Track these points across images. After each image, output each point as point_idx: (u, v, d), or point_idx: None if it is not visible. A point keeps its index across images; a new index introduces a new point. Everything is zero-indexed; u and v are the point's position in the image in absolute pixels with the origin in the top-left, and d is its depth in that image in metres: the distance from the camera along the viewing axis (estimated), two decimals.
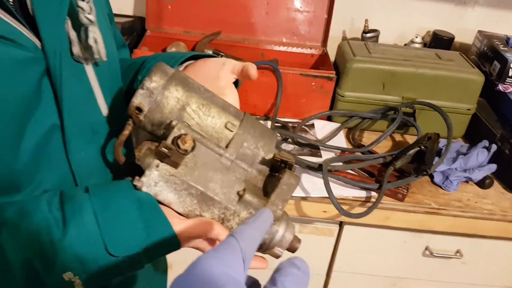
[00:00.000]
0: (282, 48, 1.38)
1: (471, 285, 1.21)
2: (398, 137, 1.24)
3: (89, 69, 0.53)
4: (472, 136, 1.24)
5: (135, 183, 0.49)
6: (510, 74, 1.20)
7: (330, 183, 0.94)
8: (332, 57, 1.34)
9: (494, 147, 1.12)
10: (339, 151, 1.12)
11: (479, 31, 1.38)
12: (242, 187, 0.52)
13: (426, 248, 1.14)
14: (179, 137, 0.50)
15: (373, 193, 1.02)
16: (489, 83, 1.24)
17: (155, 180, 0.50)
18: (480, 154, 1.10)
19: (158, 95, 0.51)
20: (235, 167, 0.53)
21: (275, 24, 1.38)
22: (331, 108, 1.25)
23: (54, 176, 0.50)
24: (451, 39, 1.38)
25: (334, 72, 1.19)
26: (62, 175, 0.51)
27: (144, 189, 0.50)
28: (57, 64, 0.47)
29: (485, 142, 1.15)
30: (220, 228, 0.50)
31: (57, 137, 0.50)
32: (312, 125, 1.23)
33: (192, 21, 1.36)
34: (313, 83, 1.20)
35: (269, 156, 0.55)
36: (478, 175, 1.07)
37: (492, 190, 1.09)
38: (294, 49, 1.38)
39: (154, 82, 0.51)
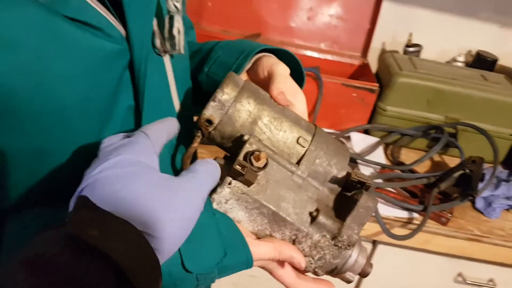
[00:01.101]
0: (320, 55, 1.34)
1: None
2: (436, 157, 1.20)
3: (167, 63, 0.50)
4: None
5: None
6: None
7: None
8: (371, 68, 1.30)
9: None
10: (379, 167, 1.08)
11: None
12: (314, 207, 0.48)
13: (459, 274, 1.10)
14: (252, 153, 0.46)
15: (415, 214, 0.98)
16: None
17: (226, 198, 0.47)
18: None
19: (230, 107, 0.48)
20: (307, 185, 0.50)
21: (315, 30, 1.34)
22: (369, 121, 1.21)
23: None
24: (495, 60, 1.34)
25: (377, 84, 1.15)
26: None
27: (214, 205, 0.47)
28: (142, 57, 0.43)
29: None
30: (294, 251, 0.47)
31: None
32: (349, 137, 1.19)
33: (231, 21, 1.32)
34: (354, 94, 1.16)
35: (342, 174, 0.51)
36: None
37: None
38: (333, 57, 1.34)
39: (226, 94, 0.48)
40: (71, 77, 0.38)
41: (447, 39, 1.42)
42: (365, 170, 1.08)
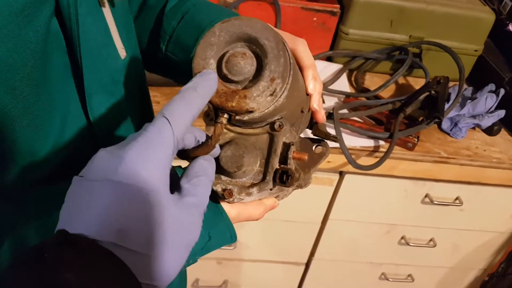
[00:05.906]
0: None
1: (466, 231, 1.20)
2: (401, 80, 1.16)
3: (108, 13, 0.41)
4: (477, 79, 1.18)
5: None
6: None
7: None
8: None
9: (502, 91, 1.06)
10: (343, 96, 1.03)
11: None
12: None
13: (426, 196, 1.10)
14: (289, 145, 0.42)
15: (381, 142, 0.95)
16: (497, 23, 1.16)
17: None
18: (489, 99, 1.05)
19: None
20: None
21: None
22: (331, 47, 1.14)
23: (72, 139, 0.40)
24: None
25: (338, 5, 1.07)
26: (80, 136, 0.41)
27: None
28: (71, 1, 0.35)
29: (492, 86, 1.09)
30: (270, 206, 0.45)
31: (73, 93, 0.39)
32: None
33: None
34: (315, 18, 1.08)
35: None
36: (487, 122, 1.02)
37: (499, 138, 1.05)
38: None
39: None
40: None
41: None
42: (330, 101, 1.03)
